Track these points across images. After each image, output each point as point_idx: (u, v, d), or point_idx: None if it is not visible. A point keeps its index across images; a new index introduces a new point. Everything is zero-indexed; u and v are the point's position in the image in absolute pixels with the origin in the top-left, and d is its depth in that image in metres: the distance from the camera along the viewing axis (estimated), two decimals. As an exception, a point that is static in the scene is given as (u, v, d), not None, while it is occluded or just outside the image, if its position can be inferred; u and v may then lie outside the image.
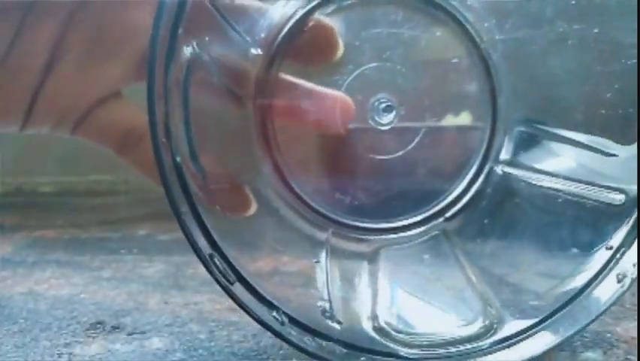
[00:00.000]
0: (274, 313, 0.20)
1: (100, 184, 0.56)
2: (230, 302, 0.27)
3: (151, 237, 0.39)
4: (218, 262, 0.20)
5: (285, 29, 0.25)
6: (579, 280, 0.21)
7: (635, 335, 0.24)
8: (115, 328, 0.24)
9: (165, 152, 0.18)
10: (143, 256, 0.34)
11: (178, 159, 0.19)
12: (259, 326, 0.24)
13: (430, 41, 0.27)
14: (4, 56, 0.20)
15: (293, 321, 0.20)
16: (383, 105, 0.26)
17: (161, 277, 0.31)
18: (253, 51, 0.25)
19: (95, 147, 0.23)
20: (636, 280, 0.20)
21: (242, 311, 0.26)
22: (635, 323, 0.25)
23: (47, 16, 0.20)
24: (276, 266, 0.24)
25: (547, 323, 0.21)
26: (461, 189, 0.27)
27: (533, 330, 0.21)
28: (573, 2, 0.23)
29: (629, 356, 0.22)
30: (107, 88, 0.22)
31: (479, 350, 0.21)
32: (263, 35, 0.25)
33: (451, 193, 0.27)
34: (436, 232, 0.27)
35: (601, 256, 0.21)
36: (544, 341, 0.20)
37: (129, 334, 0.24)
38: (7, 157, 0.50)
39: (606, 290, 0.20)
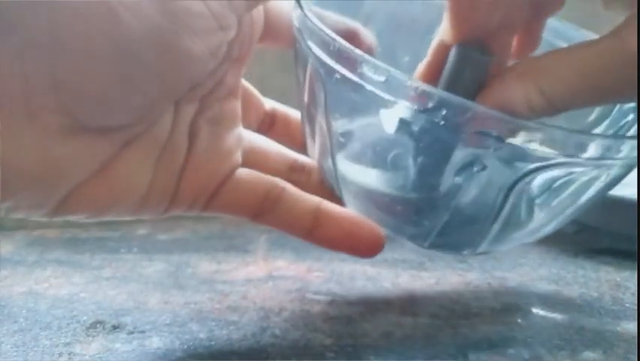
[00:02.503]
0: None
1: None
2: (229, 302, 0.27)
3: (151, 236, 0.38)
4: None
5: None
6: None
7: (635, 334, 0.24)
8: (115, 327, 0.24)
9: None
10: (143, 256, 0.34)
11: None
12: (259, 326, 0.24)
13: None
14: (166, 142, 0.22)
15: None
16: None
17: (161, 276, 0.31)
18: None
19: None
20: None
21: (241, 311, 0.26)
22: (635, 323, 0.25)
23: (186, 102, 0.22)
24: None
25: None
26: None
27: None
28: None
29: (628, 355, 0.22)
30: (233, 160, 0.24)
31: None
32: None
33: None
34: None
35: None
36: None
37: (129, 333, 0.24)
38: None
39: None
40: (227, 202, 0.23)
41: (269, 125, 0.28)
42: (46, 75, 0.18)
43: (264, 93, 0.28)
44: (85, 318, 0.25)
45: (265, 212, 0.24)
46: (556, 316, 0.26)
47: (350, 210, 0.25)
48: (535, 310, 0.27)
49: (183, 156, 0.22)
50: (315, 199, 0.24)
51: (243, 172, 0.24)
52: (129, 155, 0.21)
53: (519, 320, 0.25)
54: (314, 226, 0.24)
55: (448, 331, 0.24)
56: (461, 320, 0.25)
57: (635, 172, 0.35)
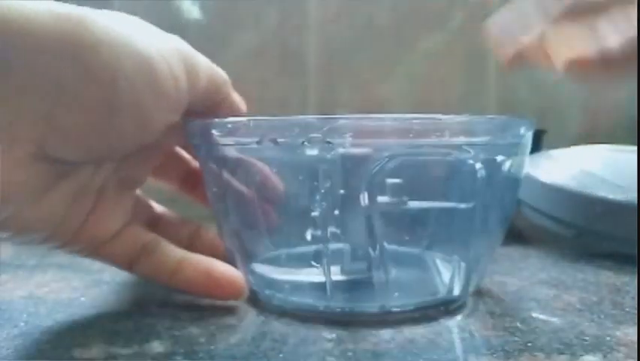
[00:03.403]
0: None
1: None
2: (230, 306, 0.27)
3: (151, 240, 0.39)
4: None
5: None
6: None
7: (635, 338, 0.24)
8: (115, 331, 0.24)
9: None
10: (143, 260, 0.34)
11: None
12: (259, 329, 0.24)
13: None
14: (84, 186, 0.24)
15: None
16: None
17: (161, 280, 0.31)
18: None
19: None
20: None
21: (242, 315, 0.26)
22: (635, 327, 0.25)
23: (100, 167, 0.24)
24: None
25: None
26: None
27: None
28: None
29: (628, 360, 0.22)
30: (126, 217, 0.26)
31: None
32: None
33: None
34: None
35: None
36: None
37: (129, 337, 0.24)
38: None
39: None
40: (110, 253, 0.26)
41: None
42: (41, 114, 0.19)
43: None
44: (85, 322, 0.25)
45: (139, 262, 0.26)
46: (556, 320, 0.26)
47: (211, 259, 0.27)
48: (535, 314, 0.27)
49: (92, 203, 0.24)
50: (182, 251, 0.27)
51: (130, 227, 0.26)
52: (59, 188, 0.22)
53: (519, 325, 0.25)
54: (176, 270, 0.26)
55: (448, 335, 0.24)
56: (461, 323, 0.25)
57: (635, 176, 0.35)
